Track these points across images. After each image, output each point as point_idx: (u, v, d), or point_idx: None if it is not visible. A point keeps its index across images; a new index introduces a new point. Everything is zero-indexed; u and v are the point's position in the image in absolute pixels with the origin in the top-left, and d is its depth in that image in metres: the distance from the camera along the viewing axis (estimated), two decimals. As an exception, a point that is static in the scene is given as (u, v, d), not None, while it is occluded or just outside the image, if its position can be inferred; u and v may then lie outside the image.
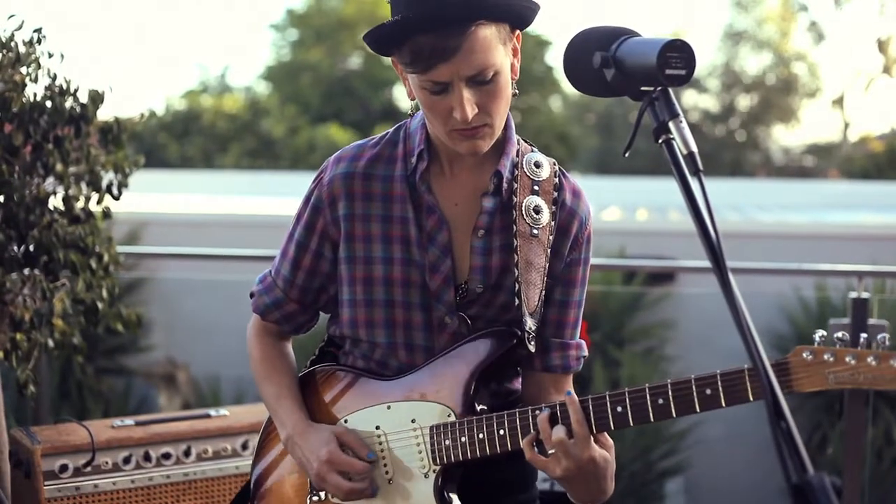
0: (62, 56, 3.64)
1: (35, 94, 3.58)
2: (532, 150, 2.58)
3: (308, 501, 2.58)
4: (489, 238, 2.49)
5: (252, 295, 2.74)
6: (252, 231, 8.73)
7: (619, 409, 2.30)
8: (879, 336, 2.14)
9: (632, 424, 2.30)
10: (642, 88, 2.01)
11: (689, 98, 32.66)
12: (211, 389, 7.48)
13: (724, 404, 2.23)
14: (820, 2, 42.30)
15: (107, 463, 3.54)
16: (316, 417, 2.60)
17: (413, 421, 2.50)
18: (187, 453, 3.64)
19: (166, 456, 3.62)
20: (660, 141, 1.95)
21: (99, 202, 3.80)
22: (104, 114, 3.78)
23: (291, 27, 30.45)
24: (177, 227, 9.20)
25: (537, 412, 2.37)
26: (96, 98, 3.69)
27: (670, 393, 2.27)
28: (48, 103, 3.59)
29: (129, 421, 3.70)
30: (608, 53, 2.07)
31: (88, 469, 3.51)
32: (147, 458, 3.59)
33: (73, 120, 3.64)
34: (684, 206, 1.87)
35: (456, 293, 2.50)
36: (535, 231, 2.49)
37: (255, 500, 2.70)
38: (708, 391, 2.24)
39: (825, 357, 2.15)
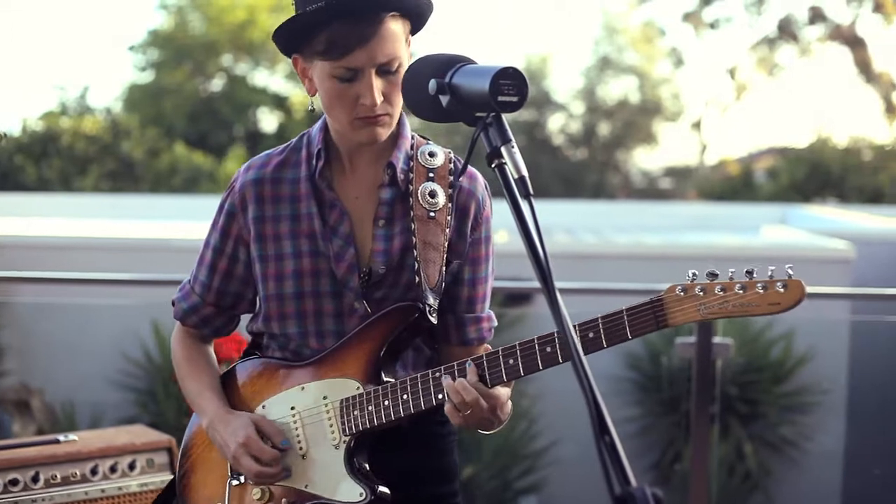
0: None
1: None
2: (427, 143, 2.73)
3: (228, 485, 2.76)
4: (390, 226, 2.66)
5: (172, 304, 2.89)
6: (110, 254, 8.64)
7: (511, 361, 2.47)
8: (747, 269, 2.31)
9: (522, 374, 2.46)
10: (476, 114, 2.08)
11: (556, 122, 33.02)
12: (66, 415, 7.37)
13: (605, 345, 2.38)
14: (680, 28, 43.20)
15: (-48, 490, 3.48)
16: (237, 407, 2.77)
17: (325, 398, 2.66)
18: (35, 479, 3.59)
19: (14, 482, 3.57)
20: (493, 165, 2.02)
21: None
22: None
23: (153, 48, 30.09)
24: (32, 251, 9.05)
25: (437, 374, 2.54)
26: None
27: (557, 341, 2.41)
28: None
29: (-24, 447, 3.65)
30: (443, 80, 2.14)
31: (-67, 496, 3.45)
32: (-6, 484, 3.54)
33: (-81, 142, 3.59)
34: (542, 229, 1.94)
35: (360, 278, 2.65)
36: (433, 213, 2.64)
37: (180, 492, 2.88)
38: (591, 335, 2.39)
39: (696, 291, 2.31)
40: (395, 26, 2.49)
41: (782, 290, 2.25)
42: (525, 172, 1.98)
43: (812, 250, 9.56)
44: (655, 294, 2.35)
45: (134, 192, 22.29)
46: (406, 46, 2.55)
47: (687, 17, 33.53)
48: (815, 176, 25.19)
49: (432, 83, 2.15)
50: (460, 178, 2.69)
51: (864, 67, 32.55)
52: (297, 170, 2.69)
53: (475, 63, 2.18)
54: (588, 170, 32.17)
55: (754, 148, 37.57)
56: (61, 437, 3.77)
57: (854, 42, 32.35)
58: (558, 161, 31.54)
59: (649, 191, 32.79)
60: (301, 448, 2.69)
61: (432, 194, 2.65)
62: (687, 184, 32.92)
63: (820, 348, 8.42)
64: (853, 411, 8.72)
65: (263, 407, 2.75)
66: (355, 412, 2.61)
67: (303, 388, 2.70)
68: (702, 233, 13.06)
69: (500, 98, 2.05)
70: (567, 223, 13.44)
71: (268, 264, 2.70)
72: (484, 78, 2.05)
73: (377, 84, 2.48)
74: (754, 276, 2.27)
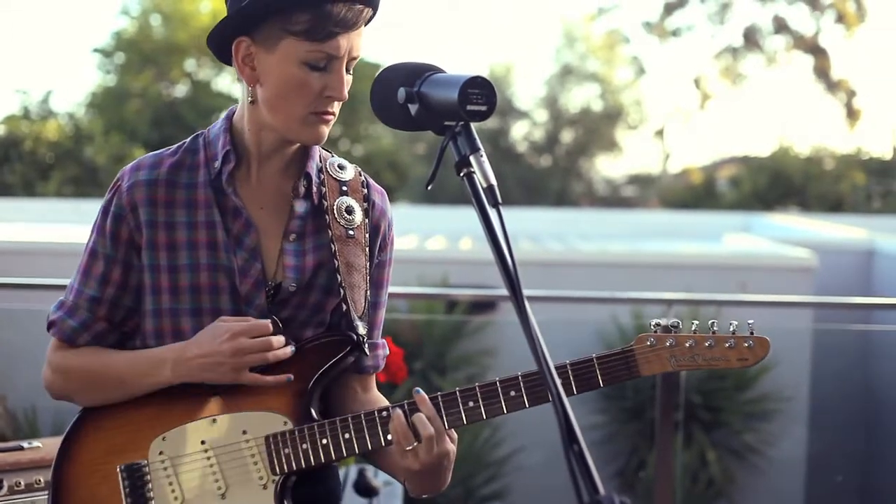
0: None
1: None
2: (332, 155, 2.59)
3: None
4: (302, 241, 2.48)
5: (52, 325, 2.57)
6: (74, 260, 8.57)
7: (471, 403, 2.36)
8: (710, 321, 2.37)
9: (485, 418, 2.37)
10: (445, 123, 2.07)
11: (520, 129, 33.12)
12: (28, 421, 7.33)
13: (575, 392, 2.35)
14: (643, 36, 43.38)
15: (-86, 497, 3.46)
16: (128, 440, 2.49)
17: (245, 432, 2.44)
18: (-1, 486, 3.58)
19: (-23, 489, 3.55)
20: (461, 174, 2.01)
21: None
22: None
23: (118, 51, 29.92)
24: (-6, 256, 9.00)
25: (384, 413, 2.38)
26: None
27: (522, 385, 2.36)
28: None
29: (-61, 454, 3.62)
30: (412, 89, 2.13)
31: None
32: (-43, 491, 3.52)
33: None
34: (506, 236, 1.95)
35: (266, 295, 2.46)
36: (351, 232, 2.50)
37: None
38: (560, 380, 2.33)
39: (667, 343, 2.34)
40: (363, 29, 2.38)
41: (749, 347, 2.35)
42: (494, 182, 1.96)
43: (775, 259, 9.62)
44: (626, 345, 2.37)
45: (97, 197, 22.14)
46: None
47: (649, 26, 33.70)
48: (777, 184, 25.36)
49: (401, 92, 2.13)
50: (374, 194, 2.58)
51: (827, 78, 32.84)
52: (193, 174, 2.46)
53: (444, 72, 2.17)
54: (551, 177, 32.26)
55: (717, 156, 37.81)
56: (25, 444, 3.75)
57: (817, 52, 32.64)
58: (522, 168, 31.59)
59: (612, 198, 32.94)
60: (220, 488, 2.44)
61: (349, 210, 2.51)
62: (650, 192, 33.08)
63: (782, 356, 8.46)
64: (815, 419, 8.78)
65: (164, 439, 2.47)
66: (286, 450, 2.41)
67: (214, 421, 2.45)
68: (665, 241, 13.11)
69: (469, 107, 2.03)
70: (531, 230, 13.47)
71: (160, 275, 2.44)
72: (453, 87, 2.05)
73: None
74: (716, 329, 2.36)
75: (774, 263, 9.33)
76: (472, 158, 2.01)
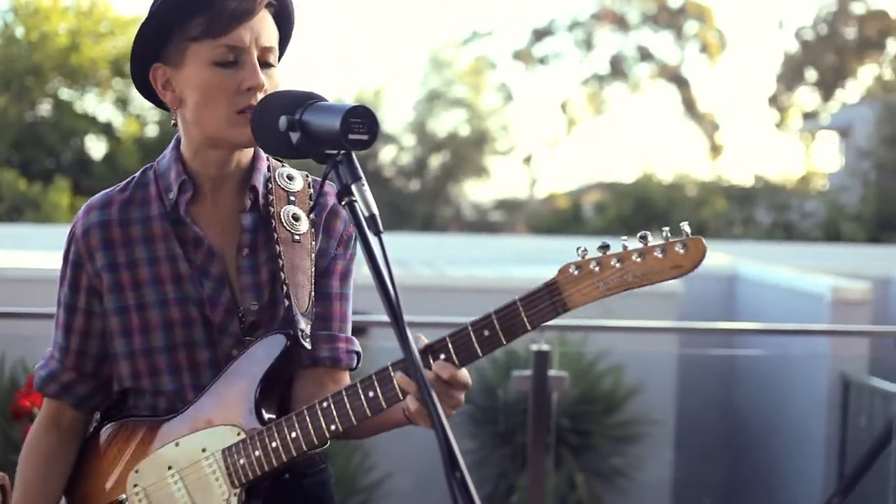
0: None
1: None
2: (283, 165, 2.55)
3: None
4: (254, 255, 2.44)
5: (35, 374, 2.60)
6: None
7: (487, 332, 2.20)
8: (640, 234, 2.11)
9: (505, 343, 2.20)
10: (327, 152, 2.08)
11: (387, 154, 33.20)
12: None
13: (504, 342, 2.18)
14: (511, 63, 43.87)
15: None
16: (104, 475, 2.51)
17: (204, 450, 2.40)
18: None
19: None
20: (343, 203, 2.03)
21: None
22: None
23: (-24, 72, 29.36)
24: None
25: (325, 404, 2.27)
26: None
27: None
28: None
29: None
30: (294, 117, 2.13)
31: None
32: None
33: None
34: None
35: (239, 321, 2.43)
36: (297, 237, 2.45)
37: None
38: (486, 332, 2.19)
39: (591, 267, 2.12)
40: (270, 20, 2.37)
41: (682, 250, 2.06)
42: (376, 210, 1.99)
43: (641, 284, 9.76)
44: (549, 280, 2.16)
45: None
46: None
47: (518, 54, 34.14)
48: (641, 210, 25.80)
49: (283, 120, 2.12)
50: (324, 198, 2.50)
51: (690, 106, 33.66)
52: (145, 208, 2.45)
53: (326, 100, 2.17)
54: (419, 202, 32.39)
55: (583, 182, 38.37)
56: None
57: (680, 81, 33.40)
58: (390, 193, 31.66)
59: (480, 223, 33.15)
60: None
61: (295, 217, 2.47)
62: (517, 217, 33.40)
63: (649, 380, 8.62)
64: (681, 442, 8.94)
65: (136, 472, 2.45)
66: (241, 461, 2.35)
67: (177, 444, 2.42)
68: (534, 266, 13.22)
69: (351, 136, 2.04)
70: (399, 255, 13.48)
71: (129, 316, 2.42)
72: (335, 116, 2.05)
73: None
74: (649, 240, 2.09)
75: (641, 289, 9.47)
76: (353, 187, 2.03)
